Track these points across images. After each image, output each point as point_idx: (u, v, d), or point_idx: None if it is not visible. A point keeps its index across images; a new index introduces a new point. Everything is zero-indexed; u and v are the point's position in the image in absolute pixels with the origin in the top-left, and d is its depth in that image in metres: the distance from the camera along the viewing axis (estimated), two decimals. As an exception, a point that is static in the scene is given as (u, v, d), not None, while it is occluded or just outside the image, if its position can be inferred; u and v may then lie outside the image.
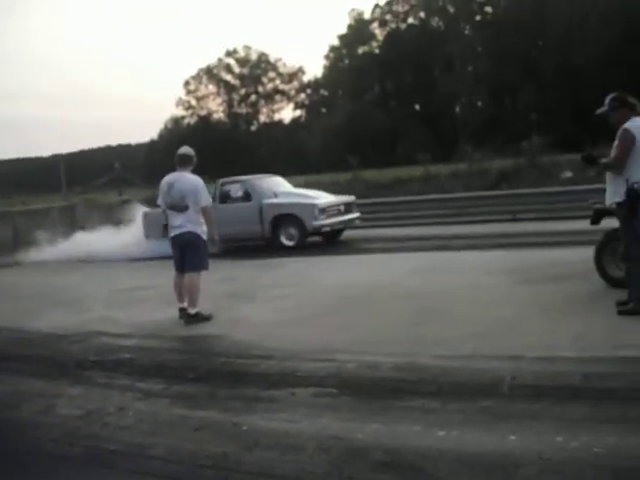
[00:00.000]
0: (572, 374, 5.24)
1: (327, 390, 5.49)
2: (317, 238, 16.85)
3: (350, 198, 17.81)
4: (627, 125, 6.71)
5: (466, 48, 56.47)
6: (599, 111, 7.07)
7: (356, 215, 17.38)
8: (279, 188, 17.48)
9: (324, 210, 16.19)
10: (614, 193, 6.84)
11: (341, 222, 16.73)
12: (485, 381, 5.28)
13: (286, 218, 16.24)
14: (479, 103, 55.85)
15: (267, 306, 8.92)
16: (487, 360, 5.75)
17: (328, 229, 16.35)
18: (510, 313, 7.36)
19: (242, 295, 9.89)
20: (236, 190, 17.09)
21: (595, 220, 8.29)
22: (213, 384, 6.01)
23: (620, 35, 44.23)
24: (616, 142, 6.80)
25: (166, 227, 8.69)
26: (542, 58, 50.35)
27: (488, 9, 62.44)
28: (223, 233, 16.49)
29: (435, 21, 66.24)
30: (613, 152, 6.84)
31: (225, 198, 16.97)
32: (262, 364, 6.35)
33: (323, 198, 17.03)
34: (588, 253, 8.37)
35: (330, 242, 16.99)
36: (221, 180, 17.37)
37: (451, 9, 64.43)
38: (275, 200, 16.66)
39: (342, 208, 16.94)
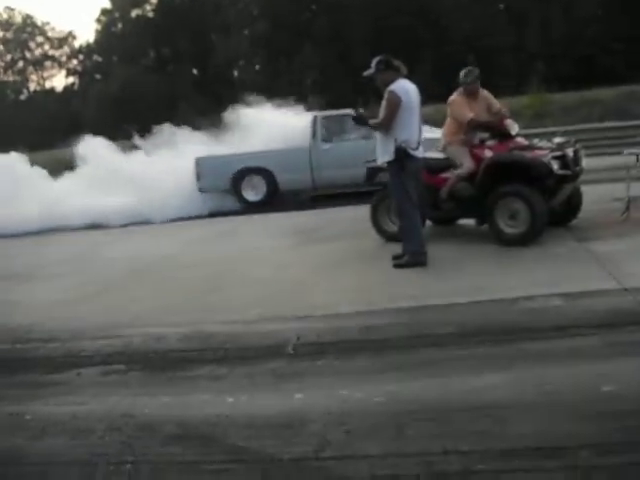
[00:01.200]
0: (352, 328, 5.46)
1: (114, 367, 5.33)
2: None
3: None
4: (393, 87, 7.01)
5: (242, 12, 56.35)
6: (366, 73, 7.32)
7: None
8: None
9: None
10: (384, 152, 7.14)
11: None
12: (271, 343, 5.36)
13: None
14: (257, 66, 56.07)
15: (48, 285, 8.53)
16: (272, 322, 5.86)
17: None
18: (294, 274, 7.55)
19: (20, 275, 9.38)
20: (347, 125, 13.71)
21: (369, 178, 8.65)
22: (-11, 374, 5.63)
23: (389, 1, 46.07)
24: (383, 103, 7.08)
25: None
26: (316, 21, 51.38)
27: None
28: (332, 177, 13.83)
29: (210, -16, 65.44)
30: (381, 113, 7.12)
31: (331, 136, 14.29)
32: (43, 348, 6.06)
33: None
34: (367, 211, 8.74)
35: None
36: (320, 114, 14.66)
37: (225, -29, 63.88)
38: None
39: None
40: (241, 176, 14.47)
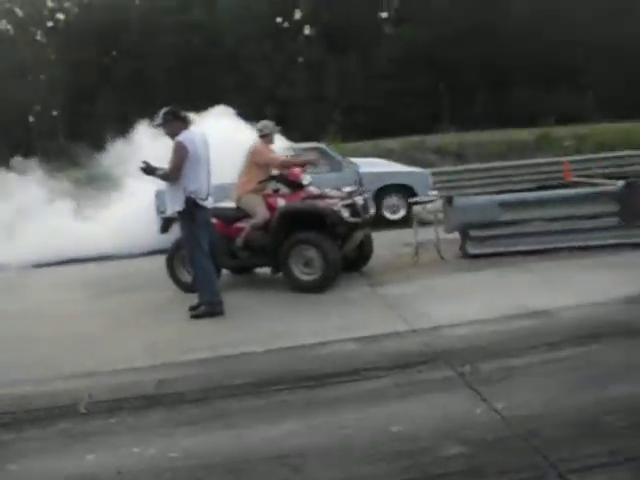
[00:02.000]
0: (146, 383, 5.37)
1: None
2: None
3: None
4: (180, 138, 7.02)
5: (39, 55, 54.53)
6: (154, 123, 7.33)
7: None
8: None
9: None
10: (173, 202, 7.13)
11: None
12: (62, 403, 5.15)
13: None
14: (55, 112, 54.25)
15: None
16: (63, 381, 5.65)
17: None
18: (86, 329, 7.27)
19: None
20: None
21: (164, 228, 8.55)
22: None
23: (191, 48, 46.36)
24: (171, 154, 7.06)
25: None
26: (116, 67, 50.65)
27: (60, 16, 60.88)
28: None
29: (3, 24, 62.78)
30: (169, 163, 7.09)
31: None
32: None
33: None
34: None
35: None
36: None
37: (20, 12, 61.53)
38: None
39: None
40: None
